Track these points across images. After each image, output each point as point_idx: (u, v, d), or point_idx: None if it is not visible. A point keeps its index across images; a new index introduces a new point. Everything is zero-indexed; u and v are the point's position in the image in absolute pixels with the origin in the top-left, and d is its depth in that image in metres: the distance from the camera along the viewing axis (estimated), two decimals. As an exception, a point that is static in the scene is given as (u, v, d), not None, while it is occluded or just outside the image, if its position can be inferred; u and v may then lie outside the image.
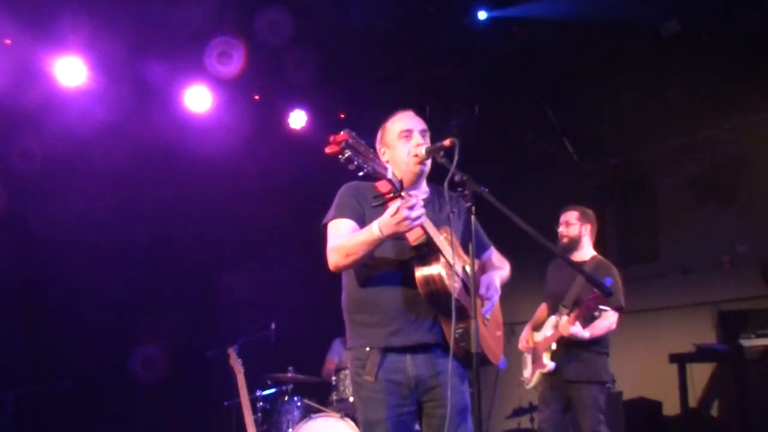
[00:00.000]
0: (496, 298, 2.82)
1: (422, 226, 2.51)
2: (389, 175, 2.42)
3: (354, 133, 2.30)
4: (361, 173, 2.36)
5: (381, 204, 2.50)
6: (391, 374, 2.67)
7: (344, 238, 2.65)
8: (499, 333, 3.04)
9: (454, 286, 2.58)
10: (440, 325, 2.67)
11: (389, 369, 2.67)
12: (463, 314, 2.59)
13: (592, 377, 4.43)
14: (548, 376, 4.53)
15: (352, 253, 2.60)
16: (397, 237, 2.53)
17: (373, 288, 2.72)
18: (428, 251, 2.59)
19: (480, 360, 2.72)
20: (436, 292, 2.57)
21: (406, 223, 2.42)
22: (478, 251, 2.95)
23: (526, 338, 4.75)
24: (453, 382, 2.59)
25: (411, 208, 2.41)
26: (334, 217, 2.78)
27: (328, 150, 2.28)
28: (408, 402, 2.69)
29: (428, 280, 2.58)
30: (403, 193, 2.44)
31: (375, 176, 2.40)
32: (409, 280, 2.62)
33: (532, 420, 6.48)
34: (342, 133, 2.27)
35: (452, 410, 2.59)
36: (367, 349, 2.70)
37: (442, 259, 2.58)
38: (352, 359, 2.77)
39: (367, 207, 2.74)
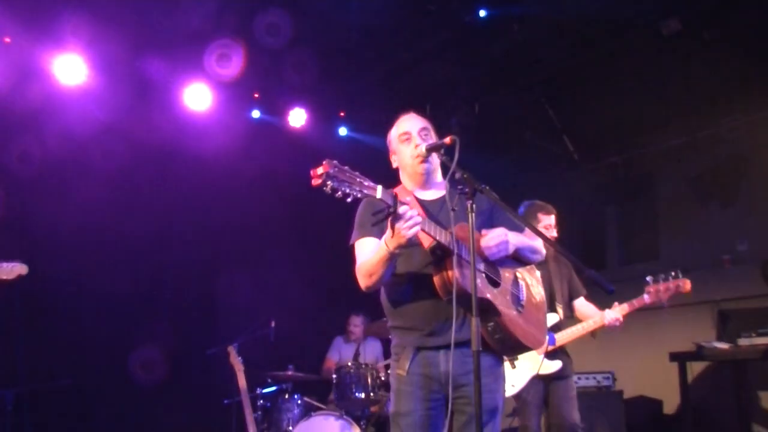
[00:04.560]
0: (499, 245, 2.73)
1: (426, 231, 2.53)
2: (379, 194, 2.42)
3: (335, 162, 2.31)
4: (349, 200, 2.38)
5: (380, 222, 2.52)
6: (423, 368, 2.74)
7: (364, 260, 2.73)
8: (542, 316, 3.03)
9: (455, 277, 2.56)
10: (470, 322, 2.65)
11: (421, 363, 2.74)
12: (491, 309, 2.63)
13: (572, 370, 4.55)
14: (536, 379, 4.41)
15: (373, 273, 2.68)
16: (413, 244, 2.57)
17: (403, 299, 2.80)
18: (442, 254, 2.63)
19: (519, 347, 2.81)
20: (455, 292, 2.57)
21: (404, 233, 2.45)
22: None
23: None
24: (486, 381, 2.59)
25: (405, 218, 2.44)
26: (357, 238, 2.85)
27: (313, 183, 2.30)
28: (437, 396, 2.73)
29: (445, 283, 2.61)
30: (399, 209, 2.45)
31: (365, 198, 2.41)
32: (432, 286, 2.66)
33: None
34: (323, 165, 2.28)
35: (481, 409, 2.57)
36: (404, 346, 2.80)
37: (455, 259, 2.58)
38: (392, 356, 2.88)
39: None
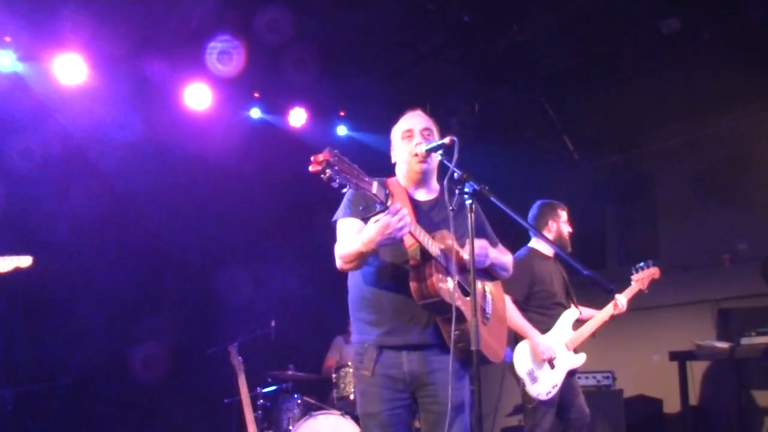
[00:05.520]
0: (484, 260, 2.82)
1: (412, 234, 2.56)
2: (374, 190, 2.45)
3: (336, 151, 2.33)
4: (344, 190, 2.42)
5: (369, 216, 2.54)
6: (387, 369, 2.74)
7: (344, 245, 2.72)
8: (503, 330, 3.07)
9: (443, 287, 2.61)
10: (436, 325, 2.71)
11: (385, 364, 2.74)
12: (461, 317, 2.63)
13: None
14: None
15: (350, 261, 2.69)
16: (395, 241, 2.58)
17: (372, 288, 2.79)
18: (423, 257, 2.64)
19: (480, 358, 2.75)
20: (430, 298, 2.62)
21: (389, 233, 2.48)
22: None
23: (550, 347, 4.33)
24: (447, 380, 2.62)
25: (398, 217, 2.46)
26: (342, 216, 2.85)
27: (311, 169, 2.31)
28: (403, 396, 2.75)
29: (422, 289, 2.62)
30: (388, 204, 2.48)
31: (360, 191, 2.43)
32: (405, 283, 2.67)
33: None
34: (324, 152, 2.30)
35: (445, 407, 2.63)
36: (366, 345, 2.78)
37: (435, 266, 2.62)
38: (354, 354, 2.87)
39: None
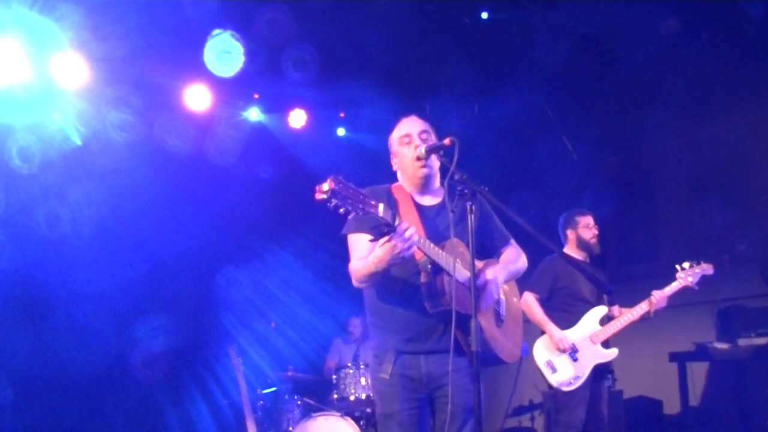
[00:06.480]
0: (495, 292, 2.83)
1: (421, 249, 2.59)
2: (381, 213, 2.45)
3: (340, 178, 2.34)
4: (350, 216, 2.45)
5: (377, 238, 2.57)
6: (405, 370, 2.79)
7: (357, 266, 2.77)
8: (518, 329, 3.10)
9: (452, 294, 2.63)
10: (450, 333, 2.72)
11: (403, 366, 2.79)
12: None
13: None
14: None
15: (364, 281, 2.76)
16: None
17: (388, 299, 2.84)
18: (433, 268, 2.68)
19: (491, 359, 2.84)
20: (442, 306, 2.66)
21: (397, 253, 2.51)
22: (498, 245, 3.07)
23: (563, 338, 4.53)
24: (462, 382, 2.70)
25: (404, 238, 2.49)
26: (353, 231, 2.88)
27: (317, 198, 2.33)
28: (420, 396, 2.80)
29: (434, 298, 2.67)
30: (396, 223, 2.50)
31: (367, 215, 2.44)
32: (418, 294, 2.72)
33: (532, 419, 6.48)
34: (327, 181, 2.30)
35: (458, 408, 2.70)
36: (385, 349, 2.84)
37: (446, 276, 2.65)
38: (372, 357, 2.91)
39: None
